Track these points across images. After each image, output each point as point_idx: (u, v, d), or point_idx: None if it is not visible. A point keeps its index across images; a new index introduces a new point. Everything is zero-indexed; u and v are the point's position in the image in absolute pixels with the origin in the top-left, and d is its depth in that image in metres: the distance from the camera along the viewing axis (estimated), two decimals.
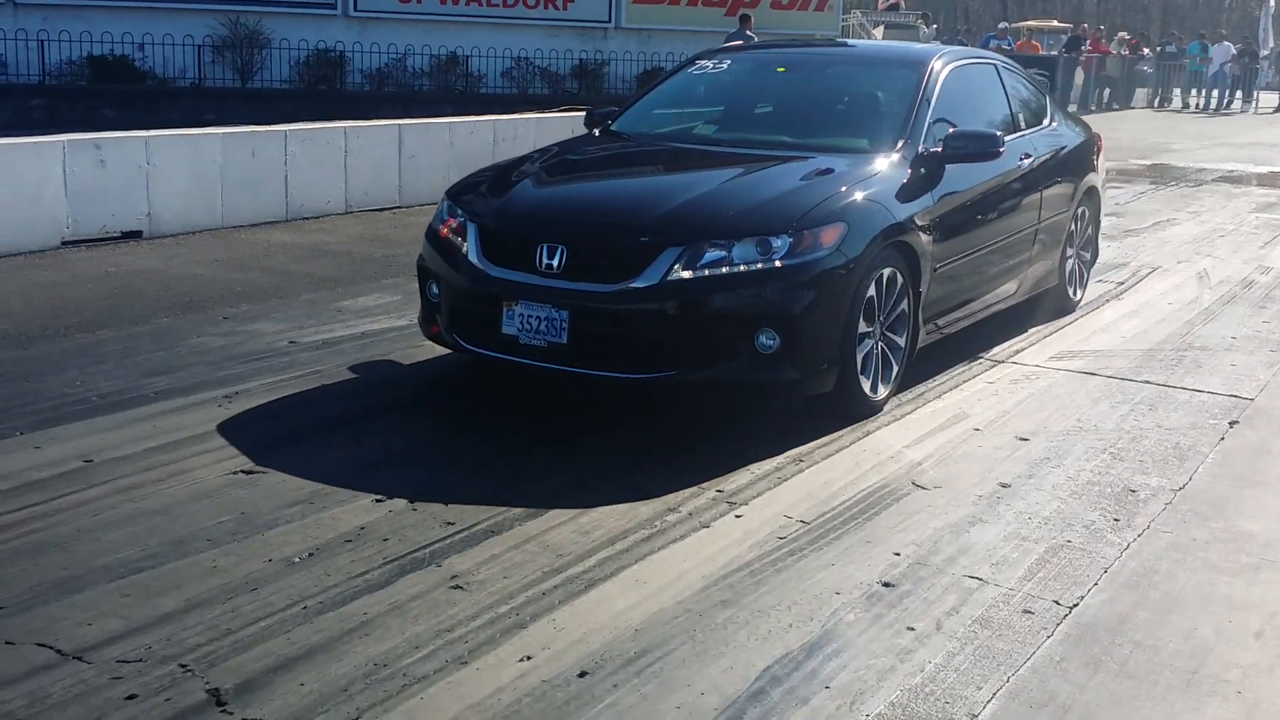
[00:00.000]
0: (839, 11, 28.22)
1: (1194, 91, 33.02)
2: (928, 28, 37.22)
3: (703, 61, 7.39)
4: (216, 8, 20.68)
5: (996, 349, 6.79)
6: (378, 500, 4.49)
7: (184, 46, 20.32)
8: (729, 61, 7.44)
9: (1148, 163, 17.51)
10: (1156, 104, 32.75)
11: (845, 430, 5.35)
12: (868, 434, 5.34)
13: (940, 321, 6.10)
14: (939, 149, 6.05)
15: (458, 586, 3.83)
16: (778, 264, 5.07)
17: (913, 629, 3.63)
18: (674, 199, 5.45)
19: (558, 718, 3.15)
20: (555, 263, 5.17)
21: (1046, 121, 7.60)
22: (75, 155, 9.09)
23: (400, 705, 3.18)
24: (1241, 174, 16.51)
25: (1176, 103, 32.97)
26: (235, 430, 5.21)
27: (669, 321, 5.04)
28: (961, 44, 32.80)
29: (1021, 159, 6.85)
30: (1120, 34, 36.83)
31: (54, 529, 4.18)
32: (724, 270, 5.06)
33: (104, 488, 4.55)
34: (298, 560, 3.98)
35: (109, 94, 19.27)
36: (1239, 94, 32.65)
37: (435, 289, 5.69)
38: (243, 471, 4.74)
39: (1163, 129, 25.02)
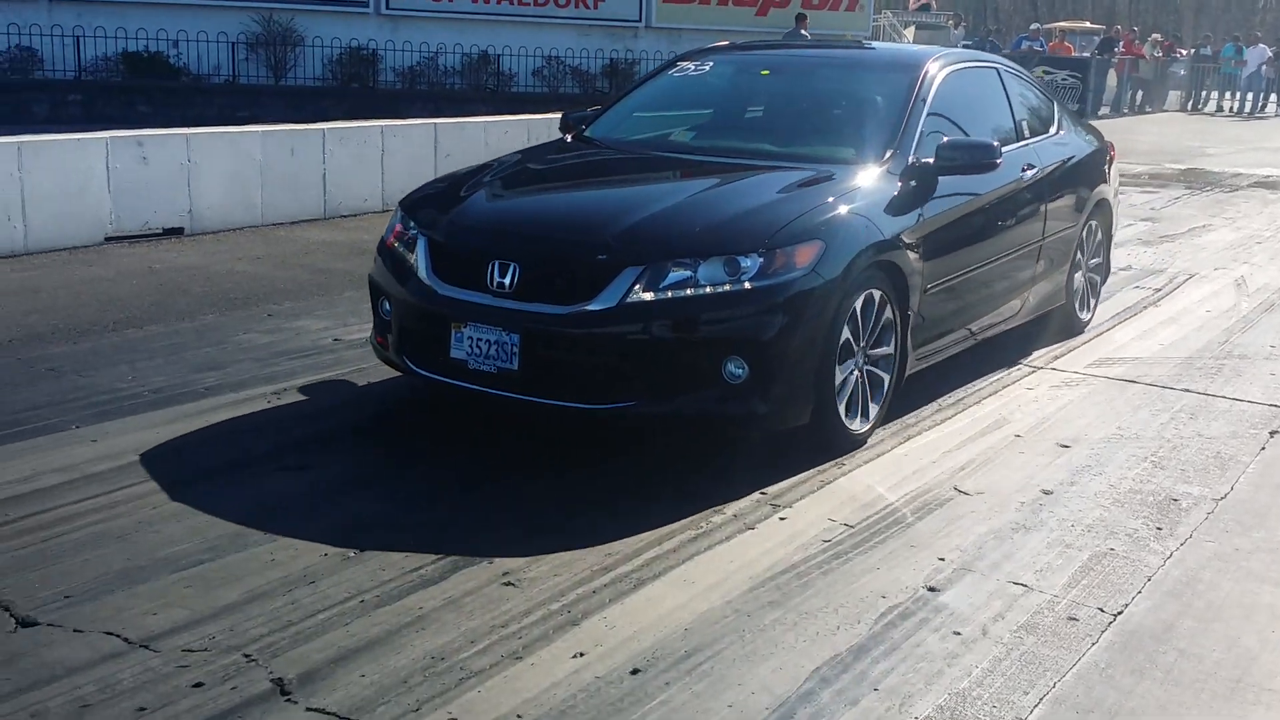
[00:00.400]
0: (870, 11, 28.23)
1: (1228, 95, 32.85)
2: (957, 28, 37.11)
3: (684, 63, 6.98)
4: (250, 5, 20.82)
5: (1035, 355, 6.82)
6: (428, 496, 4.57)
7: (218, 43, 20.46)
8: (711, 63, 6.99)
9: (1182, 167, 17.46)
10: (1189, 107, 32.60)
11: (887, 435, 5.40)
12: (909, 439, 5.38)
13: (932, 346, 5.77)
14: (931, 160, 5.65)
15: (510, 583, 3.90)
16: (747, 286, 4.70)
17: (959, 633, 3.68)
18: (637, 213, 5.07)
19: (612, 713, 3.21)
20: (507, 281, 4.82)
21: (1053, 129, 7.20)
22: (118, 152, 9.23)
23: (459, 698, 3.25)
24: (1277, 179, 16.44)
25: (1210, 105, 32.82)
26: (286, 426, 5.30)
27: (627, 348, 4.68)
28: (992, 45, 32.76)
29: (1024, 170, 6.47)
30: (1154, 36, 36.67)
31: (114, 521, 4.28)
32: (688, 292, 4.68)
33: (160, 481, 4.64)
34: (352, 555, 4.06)
35: (144, 90, 19.41)
36: (1274, 97, 32.46)
37: (387, 306, 5.32)
38: (296, 466, 4.83)
39: (1196, 132, 24.92)
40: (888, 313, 5.25)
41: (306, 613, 3.66)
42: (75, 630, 3.52)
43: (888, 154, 5.64)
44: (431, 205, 5.50)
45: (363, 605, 3.72)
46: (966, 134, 6.15)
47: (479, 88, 22.60)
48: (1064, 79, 28.43)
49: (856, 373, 5.15)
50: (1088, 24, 46.59)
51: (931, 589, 3.96)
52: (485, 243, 5.05)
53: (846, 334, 4.99)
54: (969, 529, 4.45)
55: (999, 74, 6.93)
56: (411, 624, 3.62)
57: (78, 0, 19.64)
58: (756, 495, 4.68)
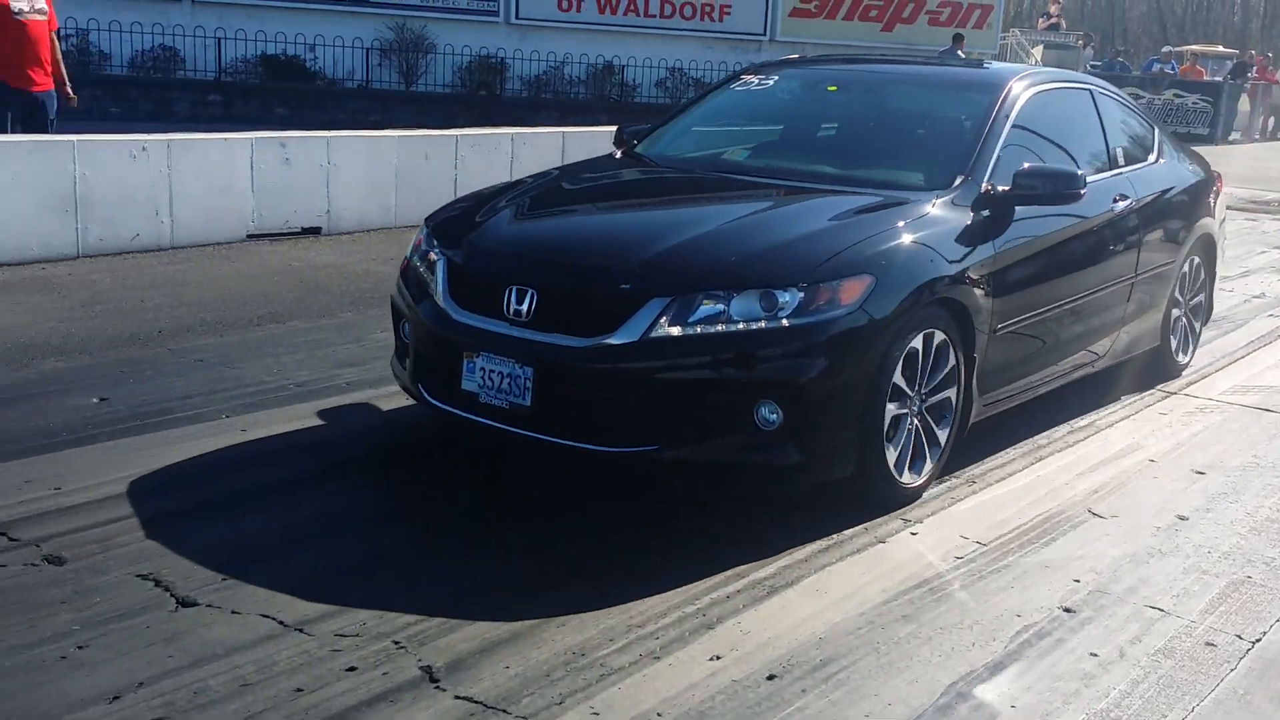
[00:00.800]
0: (998, 29, 27.93)
1: None
2: (1086, 48, 36.47)
3: (749, 77, 6.57)
4: (385, 12, 21.36)
5: (1168, 380, 6.73)
6: (567, 500, 4.68)
7: (352, 49, 21.01)
8: (777, 77, 6.58)
9: None
10: None
11: (1016, 455, 5.39)
12: (1040, 460, 5.36)
13: (1002, 391, 5.29)
14: (1007, 188, 5.17)
15: (644, 584, 3.98)
16: (784, 323, 4.28)
17: (1096, 655, 3.67)
18: (668, 239, 4.66)
19: (750, 718, 3.27)
20: (524, 309, 4.47)
21: (1152, 157, 6.67)
22: (262, 152, 9.55)
23: (600, 693, 3.34)
24: None
25: None
26: (429, 423, 5.45)
27: (650, 387, 4.30)
28: (1122, 66, 32.16)
29: (1116, 200, 5.97)
30: None
31: (267, 508, 4.46)
32: (719, 328, 4.28)
33: (309, 469, 4.83)
34: (494, 549, 4.19)
35: (280, 92, 20.05)
36: None
37: (407, 329, 5.00)
38: (439, 459, 4.98)
39: None
40: (950, 355, 4.79)
41: (453, 603, 3.78)
42: (233, 611, 3.69)
43: (958, 180, 5.16)
44: (455, 223, 5.16)
45: (506, 598, 3.83)
46: (1054, 160, 5.73)
47: (602, 97, 22.87)
48: (1195, 103, 27.88)
49: (911, 420, 4.70)
50: (1220, 48, 45.45)
51: (1067, 610, 3.96)
52: (503, 266, 4.69)
53: (899, 378, 4.55)
54: (1104, 552, 4.43)
55: (1092, 96, 6.43)
56: (552, 618, 3.72)
57: (219, 3, 20.30)
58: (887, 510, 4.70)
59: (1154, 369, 6.72)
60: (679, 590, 3.95)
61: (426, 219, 5.34)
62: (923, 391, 4.74)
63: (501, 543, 4.26)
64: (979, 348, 4.94)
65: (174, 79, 19.78)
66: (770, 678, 3.46)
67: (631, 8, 23.66)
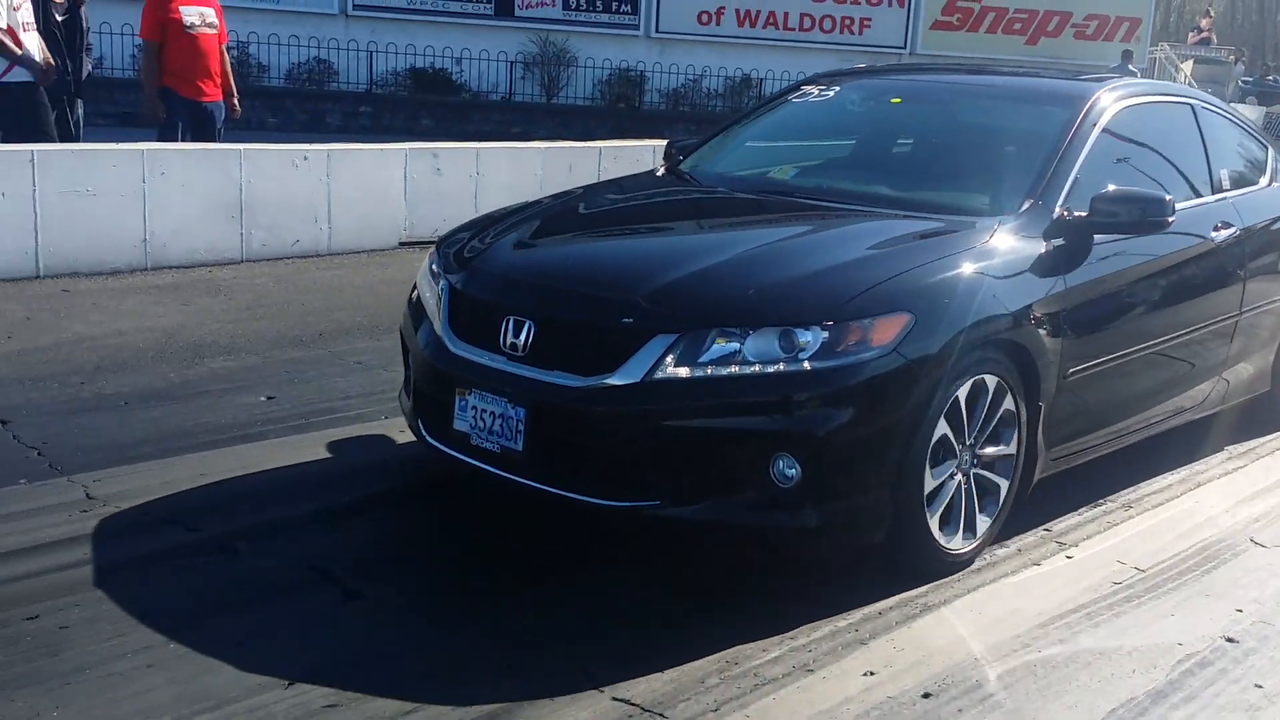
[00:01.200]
0: (1146, 43, 27.28)
1: None
2: (1238, 64, 35.43)
3: (809, 88, 6.07)
4: (529, 26, 21.72)
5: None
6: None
7: (497, 62, 21.39)
8: (836, 89, 6.11)
9: None
10: None
11: (1173, 480, 5.29)
12: (1199, 485, 5.26)
13: (1076, 443, 4.76)
14: (1084, 214, 4.62)
15: (794, 597, 4.01)
16: (806, 366, 3.80)
17: (1260, 686, 3.60)
18: (681, 267, 4.17)
19: None
20: (521, 342, 4.09)
21: (1264, 180, 6.03)
22: (415, 163, 9.81)
23: (755, 702, 3.38)
24: None
25: None
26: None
27: (652, 434, 3.86)
28: (1273, 82, 31.13)
29: (1216, 229, 5.38)
30: None
31: (429, 506, 4.62)
32: (732, 370, 3.81)
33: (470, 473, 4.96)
34: (652, 555, 4.26)
35: (427, 104, 20.48)
36: None
37: (413, 360, 4.65)
38: None
39: None
40: (1007, 403, 4.27)
41: (608, 606, 3.87)
42: (398, 605, 3.82)
43: (1026, 205, 4.60)
44: (462, 246, 4.75)
45: (660, 604, 3.91)
46: (1144, 182, 5.14)
47: (739, 110, 22.88)
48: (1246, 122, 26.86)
49: (959, 477, 4.21)
50: None
51: (1230, 639, 3.88)
52: (502, 295, 4.29)
53: (944, 429, 4.06)
54: (1267, 581, 4.34)
55: (1194, 111, 5.80)
56: (705, 626, 3.77)
57: (372, 18, 20.86)
58: (1040, 532, 4.65)
59: (1263, 417, 6.14)
60: (831, 605, 3.97)
61: (439, 240, 5.01)
62: (974, 445, 4.24)
63: (658, 548, 4.32)
64: (1045, 395, 4.40)
65: (327, 91, 20.34)
66: (925, 696, 3.47)
67: (771, 21, 23.68)
